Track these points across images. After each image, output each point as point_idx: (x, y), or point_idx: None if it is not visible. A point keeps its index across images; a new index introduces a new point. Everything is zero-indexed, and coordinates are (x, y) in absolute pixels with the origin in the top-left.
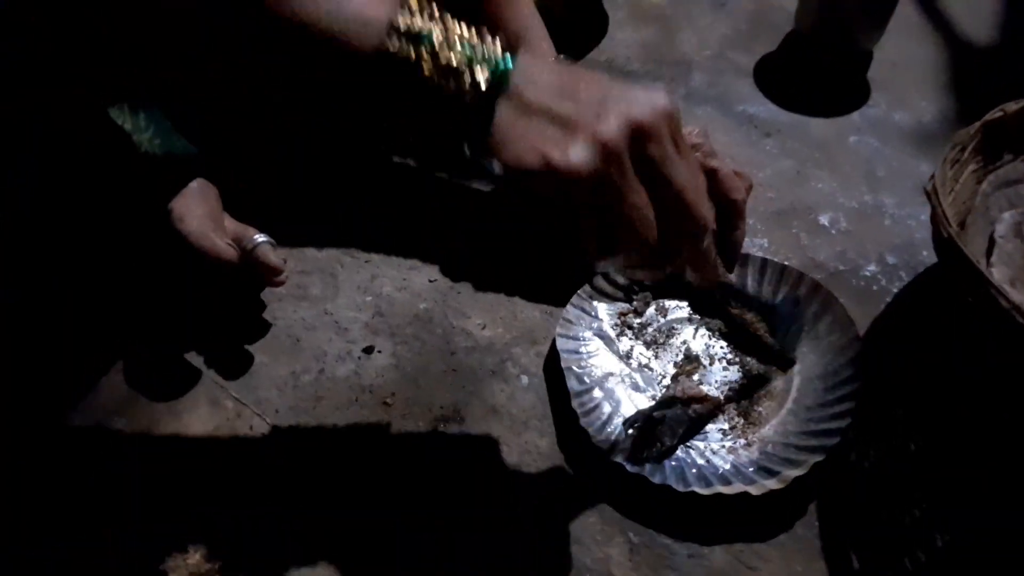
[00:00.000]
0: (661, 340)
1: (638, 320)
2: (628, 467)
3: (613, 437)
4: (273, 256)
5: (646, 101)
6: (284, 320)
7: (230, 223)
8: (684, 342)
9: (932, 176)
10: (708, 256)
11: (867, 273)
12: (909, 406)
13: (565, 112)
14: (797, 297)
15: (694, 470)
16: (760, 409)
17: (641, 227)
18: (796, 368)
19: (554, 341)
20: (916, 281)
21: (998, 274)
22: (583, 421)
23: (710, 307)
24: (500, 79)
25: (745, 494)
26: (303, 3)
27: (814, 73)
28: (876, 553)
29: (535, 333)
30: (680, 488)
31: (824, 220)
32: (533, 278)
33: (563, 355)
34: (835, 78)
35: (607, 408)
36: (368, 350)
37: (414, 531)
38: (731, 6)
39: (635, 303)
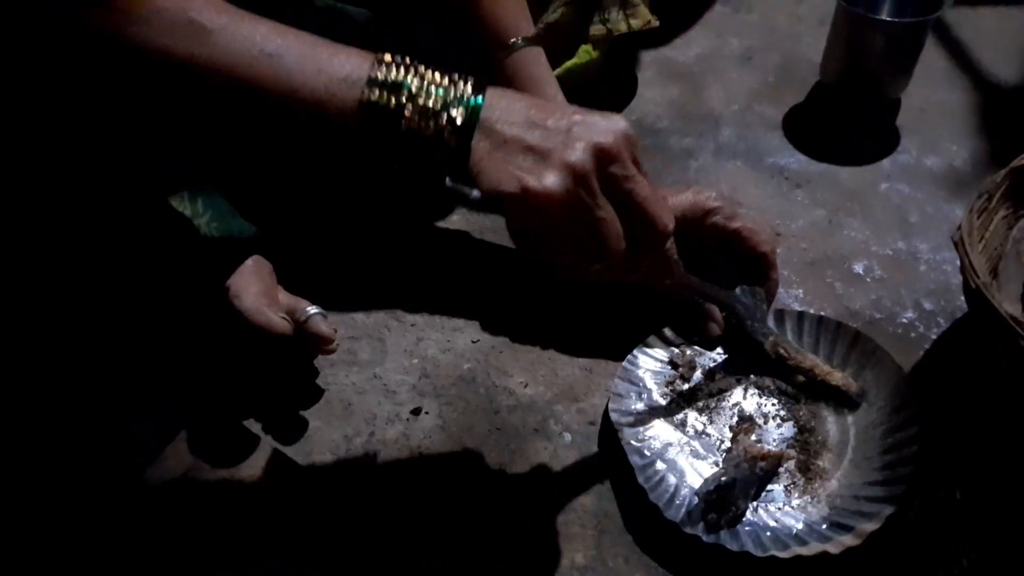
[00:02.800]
0: (713, 405)
1: (686, 386)
2: (704, 538)
3: (684, 508)
4: (324, 326)
5: (607, 127)
6: (336, 385)
7: (283, 296)
8: (736, 404)
9: (959, 226)
10: (669, 258)
11: (904, 320)
12: (951, 454)
13: (535, 141)
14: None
15: (768, 533)
16: (820, 463)
17: (610, 237)
18: (850, 419)
19: (605, 412)
20: (954, 327)
21: None
22: (652, 497)
23: (759, 362)
24: (473, 116)
25: (823, 555)
26: (287, 75)
27: (842, 122)
28: None
29: (575, 390)
30: (759, 553)
31: (859, 268)
32: (572, 332)
33: (620, 430)
34: (864, 126)
35: (672, 480)
36: (416, 412)
37: None
38: (757, 60)
39: (680, 370)
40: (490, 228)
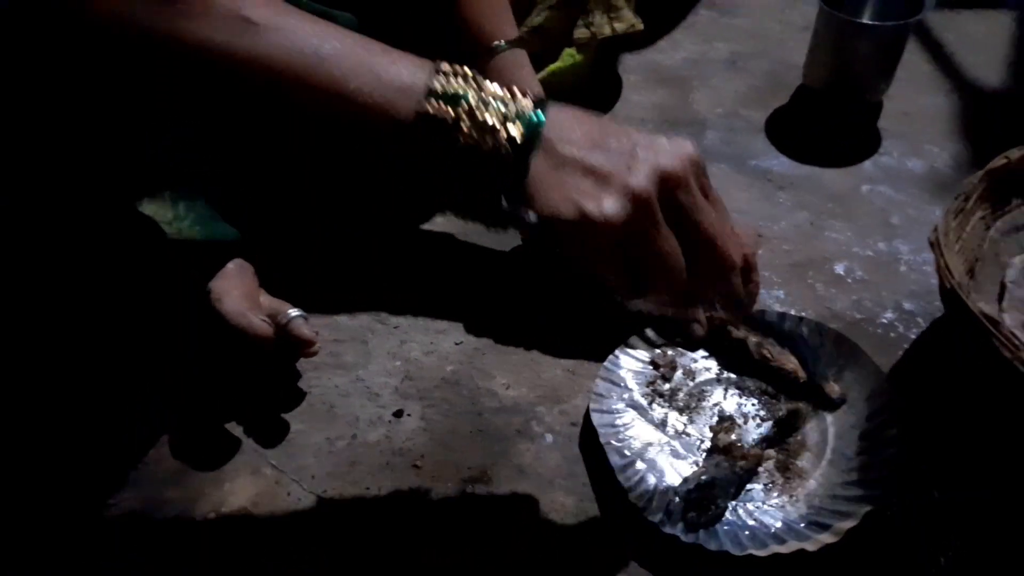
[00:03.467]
0: (693, 404)
1: (668, 386)
2: (683, 537)
3: (664, 509)
4: (306, 329)
5: (673, 151)
6: (319, 388)
7: (265, 299)
8: (716, 404)
9: (935, 228)
10: (737, 293)
11: (884, 321)
12: (930, 453)
13: (597, 163)
14: (820, 332)
15: (746, 532)
16: (799, 463)
17: (671, 270)
18: (829, 420)
19: (587, 412)
20: (934, 327)
21: (1009, 320)
22: (632, 497)
23: (740, 362)
24: (534, 134)
25: (801, 552)
26: (343, 80)
27: (826, 126)
28: None
29: (559, 392)
30: (737, 552)
31: (840, 270)
32: (555, 333)
33: (600, 430)
34: (846, 129)
35: (652, 480)
36: (398, 414)
37: None
38: (742, 64)
39: (662, 370)
40: (474, 230)
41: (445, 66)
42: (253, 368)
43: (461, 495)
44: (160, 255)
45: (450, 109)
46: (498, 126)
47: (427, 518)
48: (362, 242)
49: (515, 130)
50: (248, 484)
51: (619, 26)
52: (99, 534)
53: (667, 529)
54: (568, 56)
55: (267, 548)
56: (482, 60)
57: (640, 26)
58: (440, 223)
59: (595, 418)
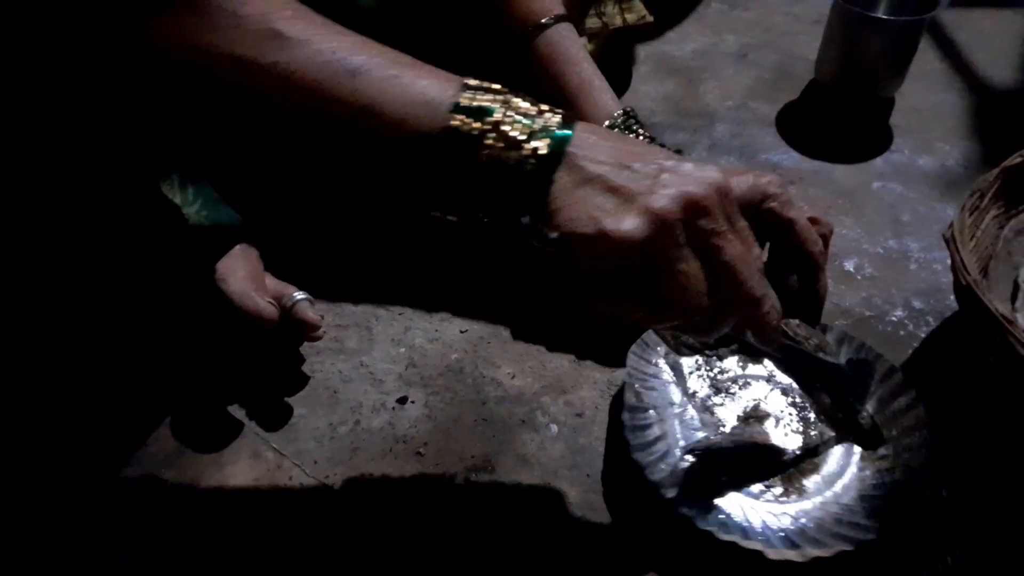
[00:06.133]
0: (733, 390)
1: (718, 364)
2: (678, 508)
3: (661, 466)
4: (311, 312)
5: (700, 177)
6: (322, 373)
7: (271, 282)
8: (756, 399)
9: (951, 224)
10: (767, 323)
11: (894, 318)
12: (940, 453)
13: (621, 182)
14: (867, 364)
15: (735, 519)
16: (805, 482)
17: (690, 294)
18: (855, 458)
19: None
20: (944, 325)
21: (1023, 320)
22: (628, 433)
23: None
24: (558, 149)
25: (760, 555)
26: (369, 96)
27: (836, 121)
28: None
29: (563, 382)
30: (723, 537)
31: (849, 266)
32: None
33: (629, 371)
34: (857, 125)
35: (656, 431)
36: (402, 401)
37: None
38: (752, 57)
39: (720, 349)
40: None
41: (472, 81)
42: (257, 350)
43: (463, 483)
44: (178, 239)
45: (476, 123)
46: (523, 140)
47: (429, 506)
48: (367, 228)
49: (540, 144)
50: (248, 467)
51: (630, 17)
52: (97, 513)
53: (665, 493)
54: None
55: (266, 531)
56: (531, 37)
57: (650, 18)
58: None
59: (630, 359)
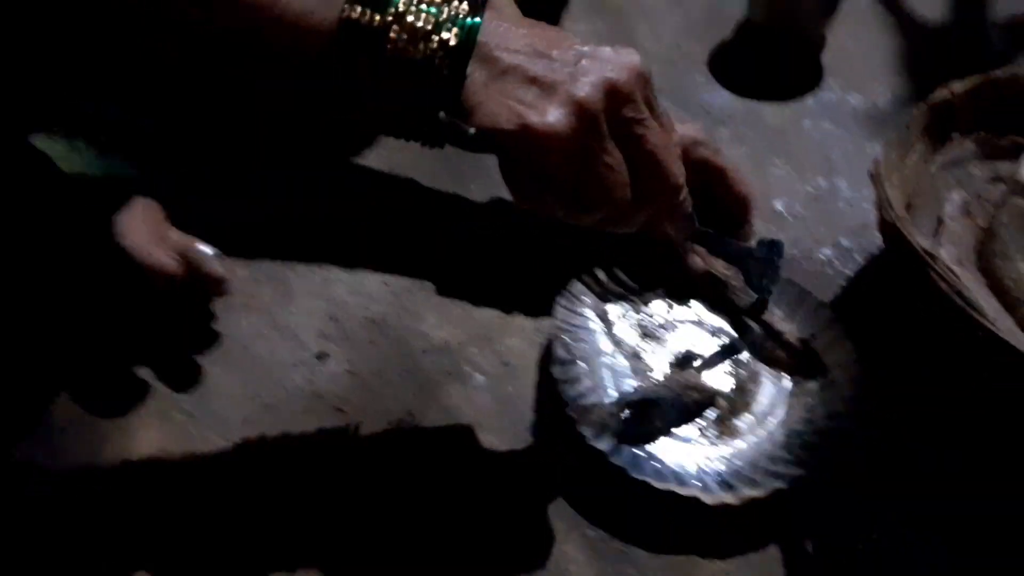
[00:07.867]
0: (661, 335)
1: (644, 309)
2: (611, 458)
3: (593, 417)
4: (218, 266)
5: (620, 62)
6: (235, 330)
7: (175, 234)
8: (685, 343)
9: (875, 161)
10: (683, 210)
11: (821, 256)
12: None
13: (539, 72)
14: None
15: (669, 466)
16: (737, 421)
17: (615, 185)
18: (788, 391)
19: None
20: (870, 263)
21: (946, 254)
22: (559, 388)
23: (728, 313)
24: (469, 39)
25: (697, 501)
26: None
27: (767, 60)
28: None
29: (490, 332)
30: (658, 485)
31: (780, 206)
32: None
33: (557, 323)
34: (788, 64)
35: (587, 383)
36: (321, 357)
37: (367, 535)
38: None
39: (644, 294)
40: (409, 164)
41: None
42: (160, 307)
43: (387, 439)
44: (53, 192)
45: (376, 15)
46: (430, 32)
47: (350, 462)
48: (285, 178)
49: (450, 35)
50: (156, 430)
51: None
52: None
53: (597, 444)
54: None
55: (179, 498)
56: None
57: None
58: (370, 158)
59: (558, 312)
